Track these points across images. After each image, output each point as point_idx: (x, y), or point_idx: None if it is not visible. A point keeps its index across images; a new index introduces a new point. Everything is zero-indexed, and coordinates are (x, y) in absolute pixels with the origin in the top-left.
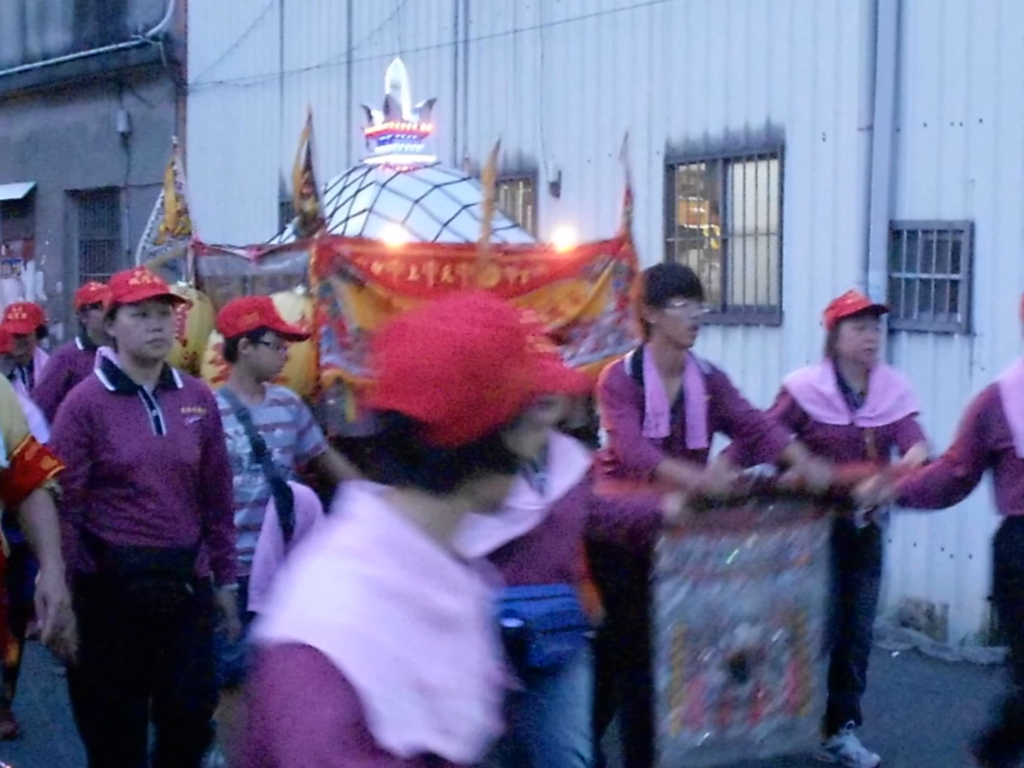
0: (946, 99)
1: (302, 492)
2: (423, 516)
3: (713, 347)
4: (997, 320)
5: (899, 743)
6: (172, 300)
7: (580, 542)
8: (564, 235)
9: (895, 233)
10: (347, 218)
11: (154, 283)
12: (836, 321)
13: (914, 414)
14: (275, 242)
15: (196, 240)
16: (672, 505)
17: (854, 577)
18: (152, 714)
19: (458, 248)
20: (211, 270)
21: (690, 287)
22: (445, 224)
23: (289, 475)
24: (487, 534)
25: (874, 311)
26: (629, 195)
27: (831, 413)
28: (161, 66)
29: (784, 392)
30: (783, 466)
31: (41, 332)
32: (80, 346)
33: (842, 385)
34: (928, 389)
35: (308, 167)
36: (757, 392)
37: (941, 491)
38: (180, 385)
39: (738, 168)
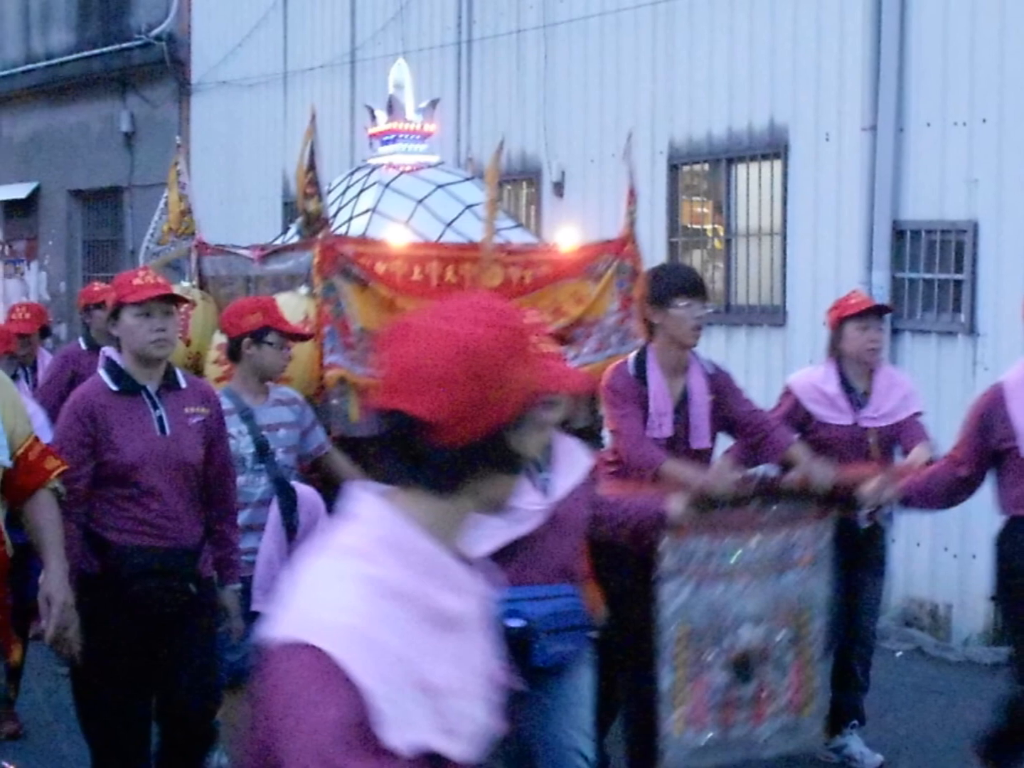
0: (950, 99)
1: (305, 492)
2: (427, 516)
3: (716, 347)
4: (1000, 320)
5: (903, 743)
6: (175, 300)
7: (583, 542)
8: (567, 235)
9: (899, 233)
10: (351, 218)
11: (158, 283)
12: (840, 321)
13: (917, 414)
14: (279, 242)
15: (200, 240)
16: (676, 505)
17: (857, 577)
18: (155, 714)
19: (461, 248)
20: (215, 270)
21: (694, 287)
22: (448, 224)
23: (292, 475)
24: (491, 534)
25: (878, 311)
26: (632, 195)
27: (835, 413)
28: (165, 66)
29: (787, 392)
30: (787, 466)
31: (44, 332)
32: (83, 346)
33: (846, 385)
34: (932, 389)
35: (312, 167)
36: (760, 392)
37: (945, 491)
38: (184, 385)
39: (741, 168)
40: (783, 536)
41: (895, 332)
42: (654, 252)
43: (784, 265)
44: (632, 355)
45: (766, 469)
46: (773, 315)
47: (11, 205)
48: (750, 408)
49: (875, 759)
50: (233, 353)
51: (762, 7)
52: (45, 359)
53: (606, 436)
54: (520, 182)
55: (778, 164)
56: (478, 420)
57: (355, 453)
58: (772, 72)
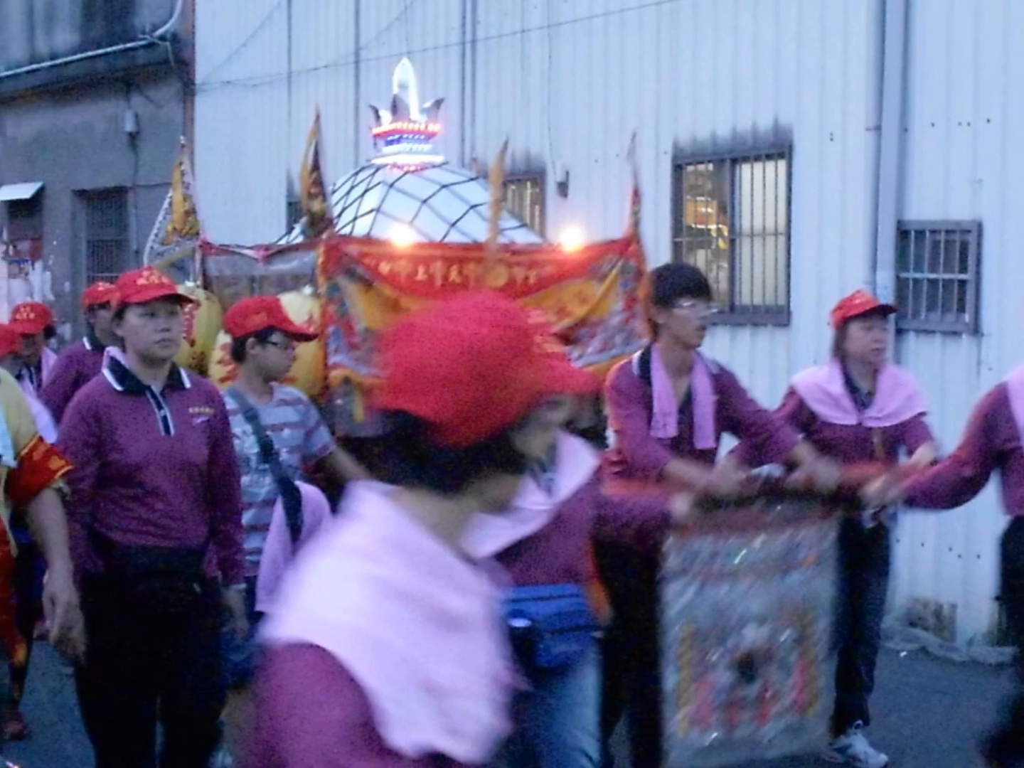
0: (954, 99)
1: (310, 492)
2: (431, 516)
3: (721, 347)
4: (1005, 320)
5: (907, 743)
6: (180, 300)
7: (588, 542)
8: (572, 235)
9: (903, 233)
10: (355, 218)
11: (162, 283)
12: (844, 321)
13: (922, 414)
14: (283, 242)
15: (204, 240)
16: (680, 505)
17: (862, 577)
18: (160, 714)
19: (466, 248)
20: (219, 270)
21: (698, 287)
22: (453, 224)
23: (297, 475)
24: (495, 534)
25: (882, 311)
26: (637, 195)
27: (839, 413)
28: (169, 66)
29: (792, 392)
30: (791, 466)
31: (49, 332)
32: (88, 346)
33: (850, 385)
34: (936, 389)
35: (316, 167)
36: (765, 392)
37: (949, 491)
38: (188, 385)
39: (746, 168)
40: (787, 536)
41: (899, 332)
42: (658, 252)
43: (788, 265)
44: (636, 355)
45: (770, 469)
46: (777, 315)
47: (15, 205)
48: (754, 408)
49: (879, 759)
50: (237, 353)
51: (766, 7)
52: (49, 359)
53: (610, 436)
54: (524, 182)
55: (782, 164)
56: (482, 420)
57: (359, 453)
58: (776, 72)
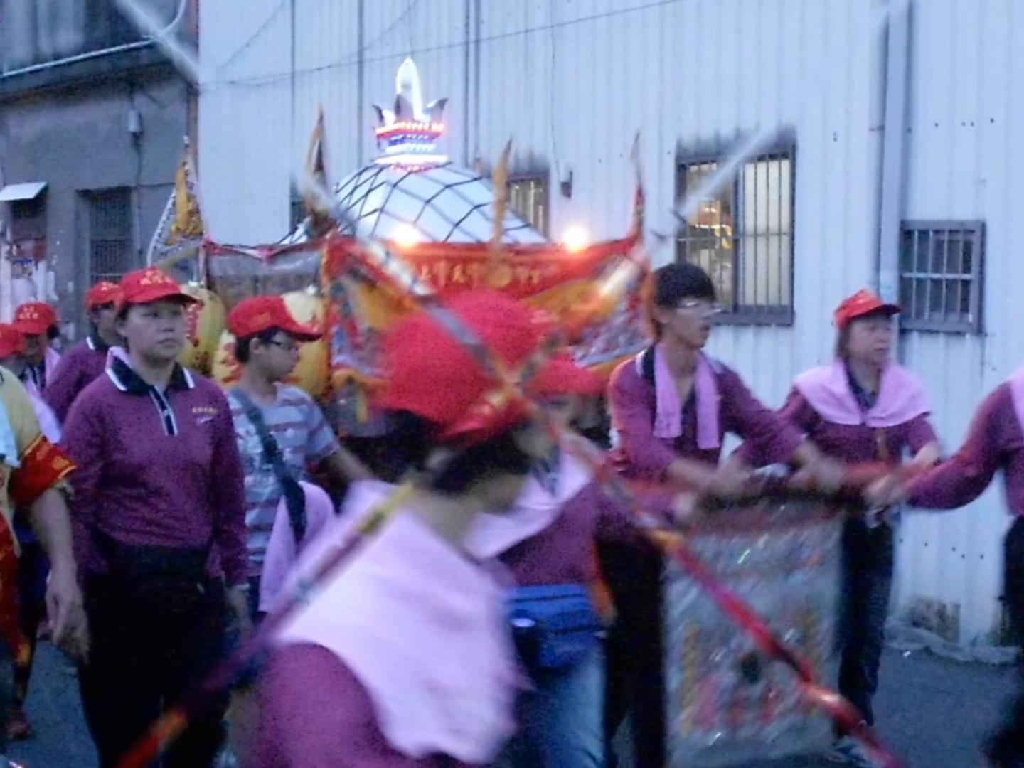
0: (957, 99)
1: (313, 492)
2: (434, 516)
3: (724, 347)
4: (1008, 320)
5: (910, 743)
6: (183, 300)
7: (591, 542)
8: (575, 235)
9: (906, 233)
10: (358, 218)
11: (165, 283)
12: (847, 321)
13: (925, 414)
14: (286, 242)
15: (207, 240)
16: (683, 505)
17: (865, 577)
18: (163, 714)
19: (469, 248)
20: (222, 270)
21: (701, 287)
22: (456, 224)
23: (300, 475)
24: (499, 534)
25: (885, 311)
26: (640, 195)
27: (842, 413)
28: (172, 66)
29: (795, 392)
30: (794, 466)
31: (52, 332)
32: (91, 346)
33: (853, 385)
34: (939, 389)
35: (320, 167)
36: (768, 392)
37: (952, 491)
38: (191, 385)
39: (749, 168)
40: (791, 536)
41: (903, 332)
42: (662, 252)
43: (792, 265)
44: (640, 355)
45: (774, 469)
46: (781, 315)
47: (19, 205)
48: (758, 408)
49: None
50: (241, 353)
51: (770, 7)
52: (53, 359)
53: (614, 436)
54: (528, 182)
55: (786, 164)
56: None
57: (363, 453)
58: (780, 72)
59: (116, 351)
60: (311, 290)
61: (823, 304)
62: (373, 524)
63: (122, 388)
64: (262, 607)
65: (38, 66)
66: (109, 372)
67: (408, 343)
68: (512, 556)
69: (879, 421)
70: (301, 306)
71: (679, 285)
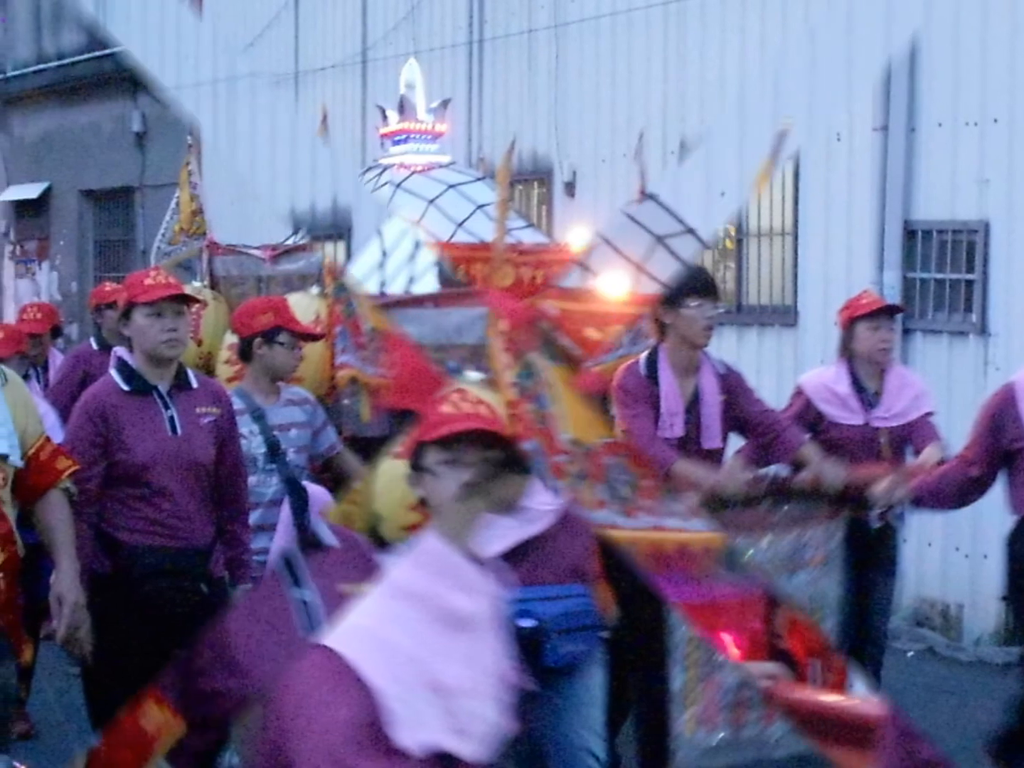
0: (961, 99)
1: (317, 492)
2: (438, 516)
3: (728, 347)
4: (1012, 320)
5: None
6: (187, 300)
7: (595, 542)
8: (579, 235)
9: (910, 233)
10: None
11: (169, 283)
12: (851, 321)
13: (929, 414)
14: (290, 242)
15: (211, 240)
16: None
17: (869, 577)
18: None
19: (473, 248)
20: (226, 270)
21: (705, 287)
22: (460, 224)
23: (304, 475)
24: (502, 534)
25: (889, 311)
26: (643, 195)
27: (846, 413)
28: None
29: (799, 392)
30: (798, 466)
31: (56, 332)
32: (95, 346)
33: (857, 385)
34: (943, 389)
35: None
36: (772, 392)
37: (956, 491)
38: (195, 385)
39: None
40: (794, 536)
41: (906, 332)
42: None
43: (796, 265)
44: (643, 355)
45: (777, 469)
46: (784, 315)
47: (22, 205)
48: (762, 408)
49: None
50: (244, 353)
51: (773, 7)
52: (56, 359)
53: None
54: (531, 182)
55: (789, 164)
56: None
57: (366, 453)
58: None
59: (120, 351)
60: (315, 290)
61: (827, 304)
62: None
63: (126, 388)
64: None
65: (42, 66)
66: (113, 372)
67: (411, 343)
68: (515, 556)
69: (883, 421)
70: (305, 306)
71: (683, 285)
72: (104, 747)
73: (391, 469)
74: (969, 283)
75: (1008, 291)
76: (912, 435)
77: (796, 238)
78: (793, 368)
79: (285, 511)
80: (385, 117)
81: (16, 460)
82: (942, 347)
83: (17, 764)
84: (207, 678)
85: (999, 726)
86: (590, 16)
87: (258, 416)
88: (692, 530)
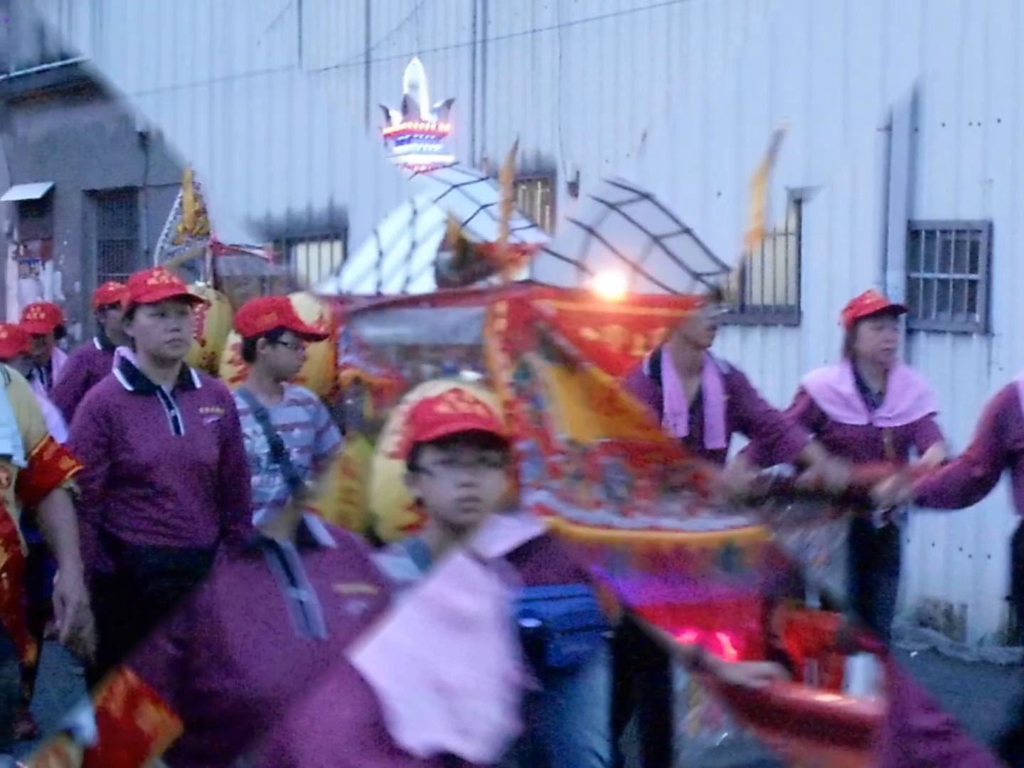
0: (964, 99)
1: None
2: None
3: (731, 347)
4: (1015, 320)
5: None
6: (190, 300)
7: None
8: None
9: (913, 233)
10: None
11: (172, 283)
12: (854, 321)
13: (932, 414)
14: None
15: (214, 240)
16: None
17: (872, 577)
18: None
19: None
20: (229, 270)
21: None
22: (463, 224)
23: (307, 475)
24: (505, 534)
25: (892, 311)
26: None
27: (849, 413)
28: None
29: (802, 392)
30: (801, 466)
31: (59, 332)
32: (98, 346)
33: (860, 385)
34: (946, 389)
35: None
36: (775, 392)
37: (959, 491)
38: (198, 385)
39: None
40: (798, 536)
41: (910, 332)
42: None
43: (799, 265)
44: (647, 355)
45: (781, 469)
46: (788, 315)
47: (26, 205)
48: (765, 408)
49: None
50: (248, 353)
51: (776, 7)
52: (60, 359)
53: None
54: (535, 182)
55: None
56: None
57: None
58: None
59: (123, 351)
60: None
61: (830, 304)
62: None
63: (129, 388)
64: None
65: (45, 66)
66: (116, 372)
67: None
68: (519, 556)
69: (886, 421)
70: (308, 306)
71: None
72: (101, 747)
73: (388, 469)
74: (973, 283)
75: (1012, 291)
76: (916, 435)
77: (800, 238)
78: (797, 368)
79: None
80: (388, 117)
81: (20, 460)
82: (946, 347)
83: (20, 764)
84: (204, 678)
85: (1003, 726)
86: (594, 16)
87: (262, 416)
88: (688, 530)
